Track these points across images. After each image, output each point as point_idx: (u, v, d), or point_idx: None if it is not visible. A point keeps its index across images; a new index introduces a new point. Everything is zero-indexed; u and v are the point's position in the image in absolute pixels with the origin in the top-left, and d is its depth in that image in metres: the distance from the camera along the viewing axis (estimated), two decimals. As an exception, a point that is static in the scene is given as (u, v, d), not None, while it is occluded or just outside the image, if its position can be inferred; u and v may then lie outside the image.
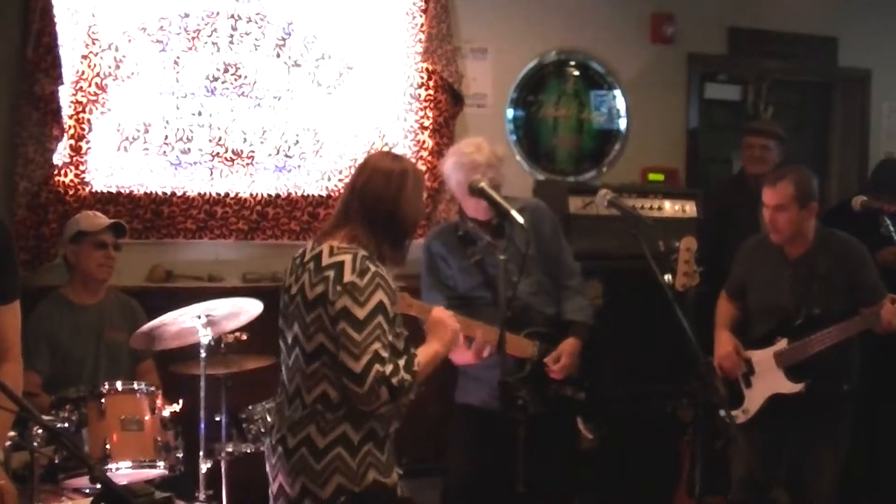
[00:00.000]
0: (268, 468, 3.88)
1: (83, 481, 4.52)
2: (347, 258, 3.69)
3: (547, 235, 5.26)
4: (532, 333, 5.10)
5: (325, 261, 3.73)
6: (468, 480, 5.18)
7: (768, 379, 5.33)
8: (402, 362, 3.65)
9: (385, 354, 3.61)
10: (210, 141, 6.50)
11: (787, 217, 5.23)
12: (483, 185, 4.28)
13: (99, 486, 3.25)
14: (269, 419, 4.19)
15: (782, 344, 5.28)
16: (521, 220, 4.13)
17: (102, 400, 4.73)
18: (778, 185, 5.24)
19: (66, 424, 4.64)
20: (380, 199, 3.80)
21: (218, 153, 6.52)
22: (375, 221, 3.80)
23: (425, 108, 6.91)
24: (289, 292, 3.86)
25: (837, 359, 5.21)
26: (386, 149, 6.69)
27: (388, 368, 3.59)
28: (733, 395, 5.40)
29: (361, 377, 3.56)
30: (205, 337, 5.18)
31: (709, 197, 6.98)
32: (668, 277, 4.88)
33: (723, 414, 4.82)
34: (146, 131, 6.36)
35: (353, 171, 4.02)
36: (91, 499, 3.30)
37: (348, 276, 3.64)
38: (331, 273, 3.68)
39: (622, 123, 7.57)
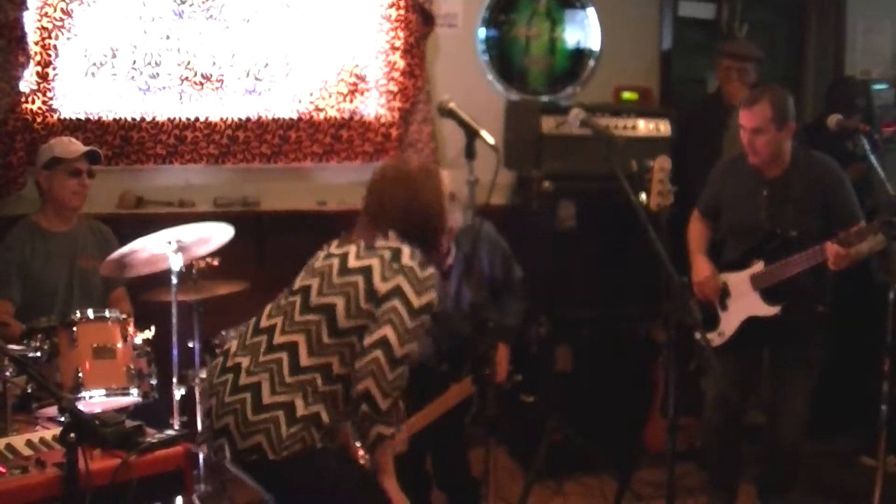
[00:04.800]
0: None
1: (56, 410, 4.49)
2: (406, 248, 3.80)
3: (495, 267, 5.32)
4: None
5: (380, 244, 3.83)
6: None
7: (744, 302, 5.34)
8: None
9: (414, 354, 3.74)
10: (179, 65, 6.43)
11: (765, 139, 5.20)
12: (452, 105, 4.23)
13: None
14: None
15: (758, 266, 5.28)
16: (491, 140, 4.09)
17: (74, 328, 4.68)
18: (755, 107, 5.21)
19: (38, 354, 4.60)
20: (410, 211, 3.93)
21: (187, 77, 6.45)
22: (411, 231, 3.92)
23: (396, 28, 6.83)
24: (328, 252, 3.96)
25: (812, 281, 5.21)
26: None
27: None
28: (708, 317, 5.41)
29: (398, 363, 3.66)
30: (176, 263, 5.16)
31: (679, 115, 6.92)
32: (642, 197, 4.86)
33: (698, 337, 4.83)
34: (114, 56, 6.28)
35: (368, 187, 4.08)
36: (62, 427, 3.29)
37: (407, 261, 3.75)
38: (386, 253, 3.78)
39: (595, 42, 7.50)
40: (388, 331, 3.64)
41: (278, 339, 3.80)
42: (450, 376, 5.07)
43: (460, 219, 4.86)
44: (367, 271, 3.75)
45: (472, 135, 4.10)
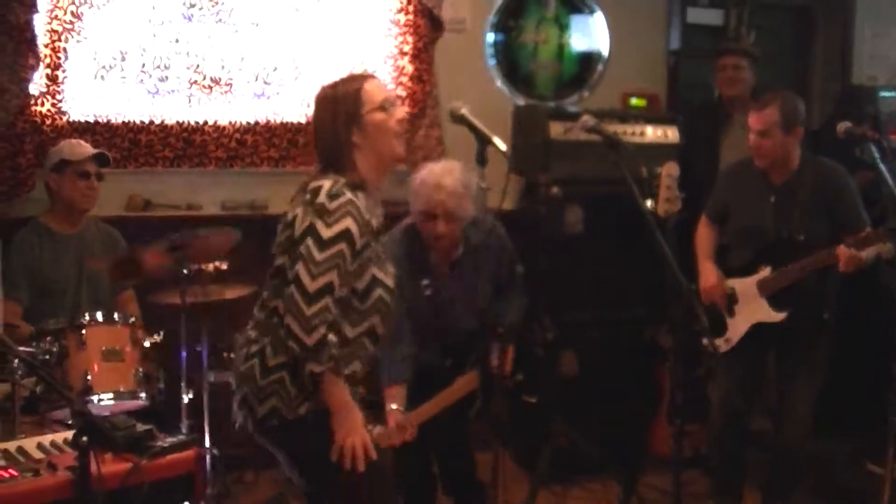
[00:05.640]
0: None
1: (65, 413, 4.49)
2: (327, 183, 3.71)
3: (503, 266, 5.30)
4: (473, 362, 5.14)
5: (311, 186, 3.76)
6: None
7: (751, 307, 5.35)
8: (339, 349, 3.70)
9: (337, 284, 3.64)
10: (188, 69, 6.45)
11: (771, 142, 5.23)
12: (464, 111, 4.23)
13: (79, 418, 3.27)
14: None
15: (765, 272, 5.30)
16: (503, 147, 4.09)
17: (83, 331, 4.70)
18: (764, 109, 5.25)
19: (48, 356, 4.60)
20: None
21: (196, 81, 6.47)
22: (323, 159, 3.88)
23: (405, 33, 6.85)
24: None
25: (818, 286, 5.23)
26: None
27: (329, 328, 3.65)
28: (715, 323, 5.41)
29: (314, 297, 3.59)
30: (184, 266, 5.17)
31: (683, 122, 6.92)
32: (649, 203, 4.87)
33: (706, 343, 4.83)
34: (123, 59, 6.30)
35: None
36: (73, 431, 3.29)
37: (320, 198, 3.68)
38: (308, 196, 3.72)
39: (603, 48, 7.51)
40: (299, 267, 3.63)
41: (269, 304, 3.84)
42: (454, 371, 5.07)
43: (472, 210, 4.86)
44: (292, 223, 3.74)
45: (483, 141, 4.10)
